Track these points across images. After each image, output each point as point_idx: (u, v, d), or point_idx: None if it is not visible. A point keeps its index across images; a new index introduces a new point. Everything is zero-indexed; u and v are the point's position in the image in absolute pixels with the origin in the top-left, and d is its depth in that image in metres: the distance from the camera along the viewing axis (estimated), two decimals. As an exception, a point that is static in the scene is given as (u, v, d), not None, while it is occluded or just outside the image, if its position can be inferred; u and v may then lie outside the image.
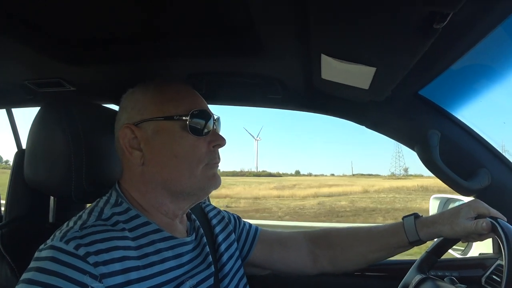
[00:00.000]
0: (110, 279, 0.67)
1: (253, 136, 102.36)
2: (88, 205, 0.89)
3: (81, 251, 0.66)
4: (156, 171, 0.84)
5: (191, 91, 0.91)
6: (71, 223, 0.75)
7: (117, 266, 0.69)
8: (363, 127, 1.33)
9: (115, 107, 1.19)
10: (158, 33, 0.94)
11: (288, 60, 1.01)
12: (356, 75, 0.90)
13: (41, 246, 0.70)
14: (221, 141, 0.88)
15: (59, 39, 0.96)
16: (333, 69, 0.90)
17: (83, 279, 0.64)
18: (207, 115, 0.86)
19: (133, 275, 0.71)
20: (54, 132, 0.94)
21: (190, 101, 0.87)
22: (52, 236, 0.72)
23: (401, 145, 1.27)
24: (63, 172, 0.92)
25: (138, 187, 0.85)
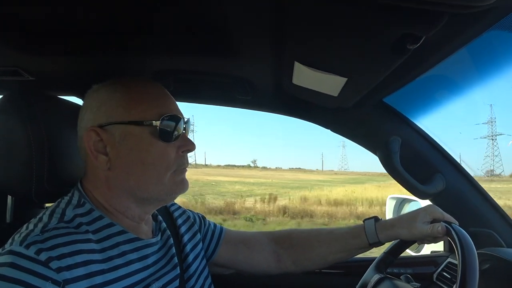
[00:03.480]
0: (74, 285, 0.64)
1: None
2: (47, 204, 0.85)
3: (43, 256, 0.63)
4: (122, 177, 0.80)
5: (161, 91, 0.86)
6: (31, 226, 0.71)
7: (81, 271, 0.66)
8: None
9: (76, 100, 1.13)
10: (125, 27, 0.89)
11: (260, 63, 1.01)
12: (327, 83, 0.91)
13: None
14: (190, 147, 0.86)
15: (18, 27, 0.89)
16: (305, 76, 0.91)
17: (45, 286, 0.61)
18: (178, 119, 0.82)
19: (98, 279, 0.68)
20: (14, 126, 0.87)
21: (160, 104, 0.83)
22: (10, 240, 0.68)
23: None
24: (23, 170, 0.87)
25: (103, 191, 0.82)
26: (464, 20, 0.61)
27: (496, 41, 0.74)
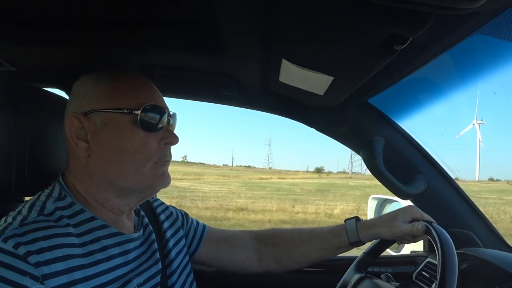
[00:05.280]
0: (53, 280, 0.63)
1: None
2: (26, 198, 0.82)
3: (21, 250, 0.61)
4: (101, 165, 0.79)
5: (146, 83, 0.86)
6: (9, 219, 0.69)
7: (60, 266, 0.65)
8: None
9: (59, 92, 1.11)
10: (112, 20, 0.87)
11: (247, 60, 1.01)
12: (314, 81, 0.92)
13: None
14: (173, 139, 0.85)
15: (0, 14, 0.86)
16: (292, 74, 0.92)
17: (23, 281, 0.60)
18: (161, 111, 0.82)
19: (78, 274, 0.67)
20: None
21: (144, 95, 0.83)
22: None
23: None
24: (2, 162, 0.84)
25: (82, 180, 0.81)
26: (449, 23, 0.62)
27: (479, 45, 0.76)
